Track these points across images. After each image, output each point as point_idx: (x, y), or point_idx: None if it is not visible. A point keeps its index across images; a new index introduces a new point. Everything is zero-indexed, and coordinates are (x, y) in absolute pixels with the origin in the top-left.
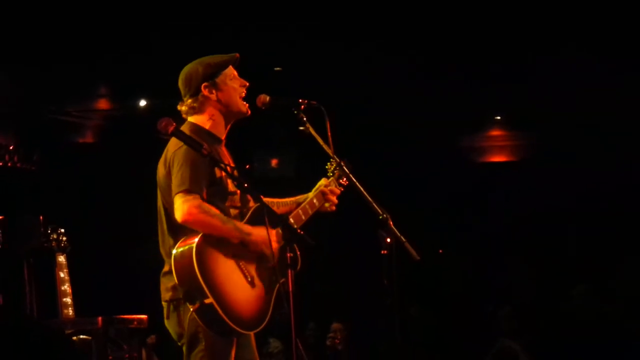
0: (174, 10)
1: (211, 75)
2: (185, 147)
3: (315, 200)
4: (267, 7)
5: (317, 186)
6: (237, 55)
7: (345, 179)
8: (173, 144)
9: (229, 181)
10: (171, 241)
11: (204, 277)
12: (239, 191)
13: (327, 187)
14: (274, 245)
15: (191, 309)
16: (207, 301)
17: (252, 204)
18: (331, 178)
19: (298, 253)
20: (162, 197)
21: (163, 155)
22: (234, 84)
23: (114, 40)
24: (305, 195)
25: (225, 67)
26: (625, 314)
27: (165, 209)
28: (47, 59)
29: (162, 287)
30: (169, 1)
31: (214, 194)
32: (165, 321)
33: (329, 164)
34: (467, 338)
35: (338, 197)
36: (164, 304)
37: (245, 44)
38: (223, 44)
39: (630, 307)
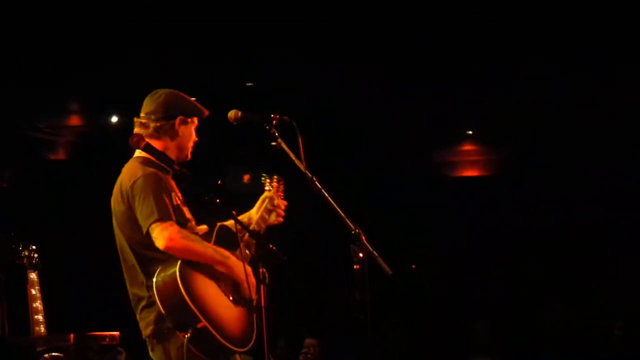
0: (146, 28)
1: (188, 114)
2: (141, 178)
3: (266, 215)
4: (235, 27)
5: (261, 201)
6: (207, 113)
7: (281, 191)
8: (127, 177)
9: (185, 208)
10: (142, 275)
11: (193, 301)
12: (192, 218)
13: (274, 202)
14: (251, 279)
15: (185, 338)
16: (200, 325)
17: (198, 228)
18: (272, 191)
19: (265, 269)
20: (123, 233)
21: (116, 189)
22: (193, 134)
23: (85, 56)
24: (247, 214)
25: (198, 115)
26: (600, 330)
27: (130, 245)
28: (18, 76)
29: (142, 324)
30: (141, 18)
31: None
32: (151, 353)
33: (262, 177)
34: (441, 354)
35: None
36: (146, 339)
37: (216, 63)
38: (192, 66)
39: (605, 323)
